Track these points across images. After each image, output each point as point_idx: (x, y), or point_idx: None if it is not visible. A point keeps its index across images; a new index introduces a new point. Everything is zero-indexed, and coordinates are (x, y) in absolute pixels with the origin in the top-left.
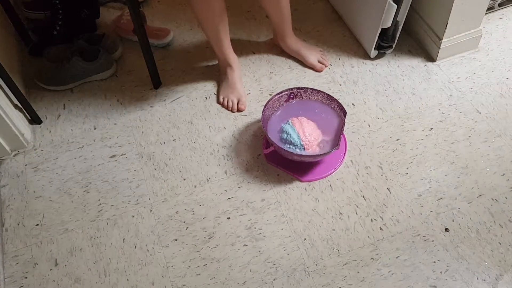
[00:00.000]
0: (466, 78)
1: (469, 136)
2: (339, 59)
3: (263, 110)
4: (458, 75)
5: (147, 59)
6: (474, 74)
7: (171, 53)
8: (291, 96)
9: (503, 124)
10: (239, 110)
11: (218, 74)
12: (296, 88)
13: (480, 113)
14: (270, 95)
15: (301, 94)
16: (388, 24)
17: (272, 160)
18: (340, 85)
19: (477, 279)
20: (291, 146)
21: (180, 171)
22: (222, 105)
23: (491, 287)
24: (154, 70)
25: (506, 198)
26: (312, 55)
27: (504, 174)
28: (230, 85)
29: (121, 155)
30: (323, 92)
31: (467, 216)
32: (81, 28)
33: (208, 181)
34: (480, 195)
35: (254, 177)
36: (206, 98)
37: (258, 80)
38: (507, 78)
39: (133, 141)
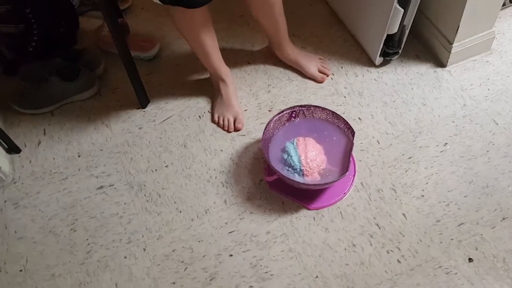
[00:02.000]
0: (480, 85)
1: (488, 151)
2: (342, 67)
3: (263, 134)
4: (471, 81)
5: (131, 76)
6: (488, 79)
7: (158, 66)
8: (293, 115)
9: None
10: (236, 130)
11: (212, 88)
12: (298, 106)
13: (497, 124)
14: (269, 110)
15: (303, 112)
16: (395, 30)
17: (276, 187)
18: (345, 97)
19: None
20: (290, 169)
21: (175, 202)
22: (218, 124)
23: None
24: (140, 88)
25: None
26: (312, 65)
27: None
28: (225, 101)
29: (109, 186)
30: (327, 109)
31: (492, 243)
32: (60, 42)
33: (206, 213)
34: (504, 218)
35: (257, 206)
36: (200, 116)
37: (255, 94)
38: None
39: (121, 169)
